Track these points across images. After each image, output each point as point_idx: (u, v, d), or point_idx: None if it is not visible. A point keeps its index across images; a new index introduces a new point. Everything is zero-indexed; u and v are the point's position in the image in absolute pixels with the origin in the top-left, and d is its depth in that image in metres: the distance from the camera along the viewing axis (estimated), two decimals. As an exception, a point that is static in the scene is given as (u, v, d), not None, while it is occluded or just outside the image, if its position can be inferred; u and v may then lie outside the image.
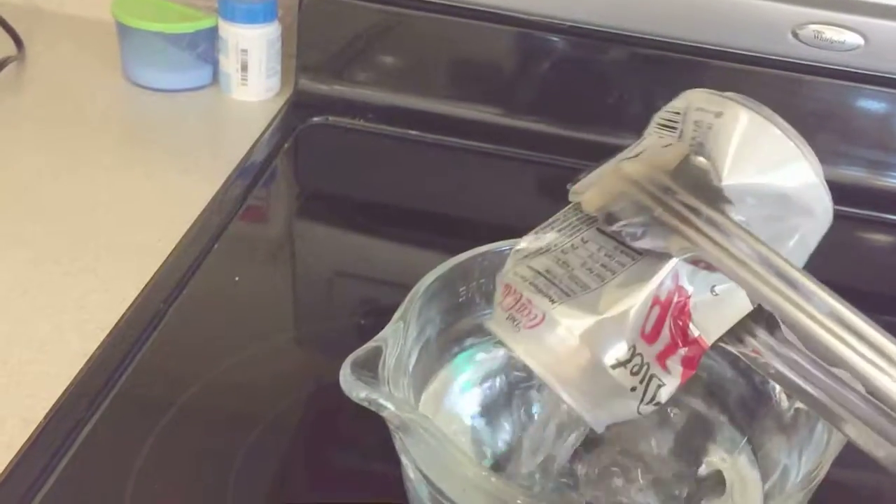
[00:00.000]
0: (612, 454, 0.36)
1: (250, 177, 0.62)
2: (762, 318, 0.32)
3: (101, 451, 0.40)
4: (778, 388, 0.36)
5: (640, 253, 0.30)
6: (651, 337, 0.30)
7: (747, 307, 0.31)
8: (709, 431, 0.37)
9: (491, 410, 0.37)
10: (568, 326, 0.29)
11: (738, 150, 0.30)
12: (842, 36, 0.60)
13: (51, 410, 0.41)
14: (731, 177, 0.29)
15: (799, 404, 0.35)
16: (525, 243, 0.33)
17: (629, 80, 0.66)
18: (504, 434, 0.37)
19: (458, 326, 0.38)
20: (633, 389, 0.30)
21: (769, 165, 0.30)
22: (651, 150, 0.32)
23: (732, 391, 0.37)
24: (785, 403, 0.35)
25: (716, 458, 0.37)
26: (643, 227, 0.30)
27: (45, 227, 0.54)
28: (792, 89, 0.64)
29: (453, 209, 0.63)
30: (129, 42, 0.68)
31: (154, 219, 0.55)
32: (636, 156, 0.32)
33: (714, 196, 0.29)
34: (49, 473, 0.39)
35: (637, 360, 0.30)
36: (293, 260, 0.60)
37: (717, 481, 0.37)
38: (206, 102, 0.69)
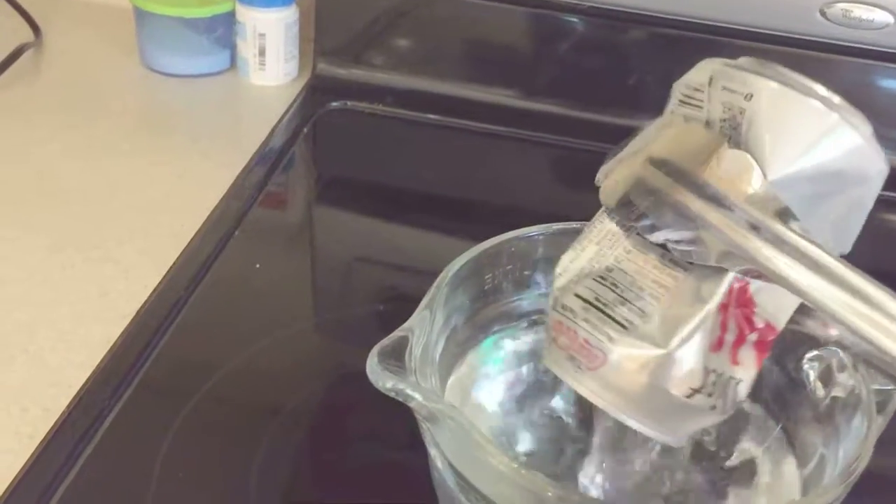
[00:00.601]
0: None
1: (269, 162, 0.61)
2: None
3: (125, 441, 0.40)
4: (812, 375, 0.35)
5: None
6: (718, 342, 0.29)
7: None
8: (740, 421, 0.36)
9: (518, 400, 0.36)
10: (633, 364, 0.28)
11: (778, 136, 0.28)
12: (871, 14, 0.59)
13: (73, 400, 0.41)
14: (775, 169, 0.28)
15: (835, 392, 0.34)
16: (565, 262, 0.31)
17: (650, 62, 0.65)
18: (531, 424, 0.36)
19: (484, 313, 0.37)
20: (713, 408, 0.29)
21: (812, 143, 0.28)
22: (680, 138, 0.30)
23: (766, 379, 0.36)
24: (820, 392, 0.34)
25: (748, 447, 0.36)
26: (692, 242, 0.28)
27: (64, 214, 0.53)
28: (819, 69, 0.61)
29: (473, 193, 0.62)
30: (146, 27, 0.67)
31: (173, 205, 0.55)
32: (663, 143, 0.30)
33: (763, 198, 0.27)
34: (72, 464, 0.38)
35: (711, 377, 0.29)
36: (313, 246, 0.59)
37: (748, 471, 0.36)
38: (224, 87, 0.68)
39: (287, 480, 0.39)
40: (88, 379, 0.42)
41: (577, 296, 0.30)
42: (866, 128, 0.28)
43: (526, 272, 0.37)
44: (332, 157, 0.67)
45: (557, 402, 0.36)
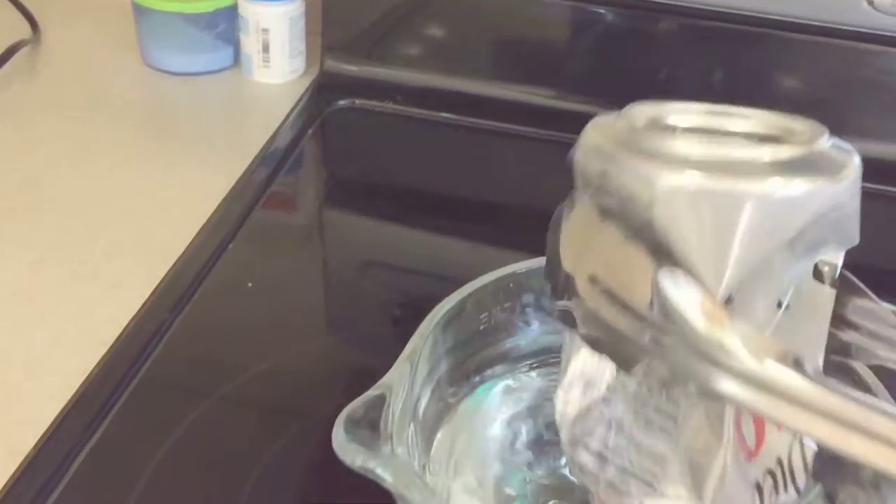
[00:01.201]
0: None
1: (272, 165, 0.58)
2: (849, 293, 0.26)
3: (94, 485, 0.37)
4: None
5: None
6: (759, 436, 0.25)
7: (829, 300, 0.25)
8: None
9: (517, 456, 0.33)
10: None
11: (705, 244, 0.22)
12: (923, 3, 0.54)
13: (40, 440, 0.37)
14: (726, 282, 0.22)
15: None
16: (561, 407, 0.27)
17: (687, 56, 0.60)
18: (531, 482, 0.32)
19: (479, 357, 0.33)
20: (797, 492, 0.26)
21: (759, 228, 0.22)
22: (607, 251, 0.24)
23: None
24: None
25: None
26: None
27: (53, 224, 0.50)
28: (866, 62, 0.57)
29: (490, 196, 0.58)
30: (145, 23, 0.64)
31: (170, 213, 0.52)
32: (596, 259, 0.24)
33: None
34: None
35: (768, 482, 0.25)
36: (321, 250, 0.56)
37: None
38: (227, 86, 0.65)
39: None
40: (58, 416, 0.39)
41: (587, 448, 0.26)
42: (820, 148, 0.23)
43: (528, 309, 0.34)
44: (340, 158, 0.63)
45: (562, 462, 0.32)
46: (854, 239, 0.25)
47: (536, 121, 0.62)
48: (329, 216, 0.59)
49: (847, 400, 0.20)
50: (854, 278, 0.26)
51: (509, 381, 0.34)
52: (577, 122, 0.66)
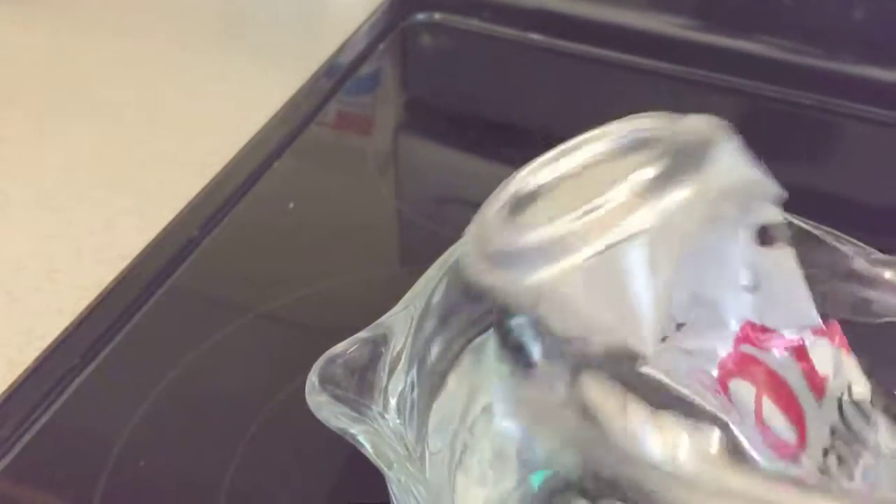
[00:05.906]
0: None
1: (335, 80, 0.56)
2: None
3: (93, 405, 0.36)
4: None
5: None
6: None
7: (790, 259, 0.25)
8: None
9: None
10: None
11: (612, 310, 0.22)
12: None
13: (42, 354, 0.37)
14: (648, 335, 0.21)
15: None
16: None
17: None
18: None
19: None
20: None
21: (659, 257, 0.21)
22: None
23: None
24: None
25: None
26: None
27: (94, 129, 0.50)
28: None
29: (585, 130, 0.55)
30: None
31: (217, 123, 0.51)
32: None
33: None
34: (27, 429, 0.35)
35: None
36: (375, 176, 0.53)
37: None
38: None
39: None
40: (65, 330, 0.38)
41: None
42: (679, 139, 0.23)
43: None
44: (413, 78, 0.61)
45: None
46: (774, 192, 0.24)
47: (642, 49, 0.58)
48: (393, 140, 0.57)
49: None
50: (805, 224, 0.26)
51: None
52: (691, 54, 0.61)
